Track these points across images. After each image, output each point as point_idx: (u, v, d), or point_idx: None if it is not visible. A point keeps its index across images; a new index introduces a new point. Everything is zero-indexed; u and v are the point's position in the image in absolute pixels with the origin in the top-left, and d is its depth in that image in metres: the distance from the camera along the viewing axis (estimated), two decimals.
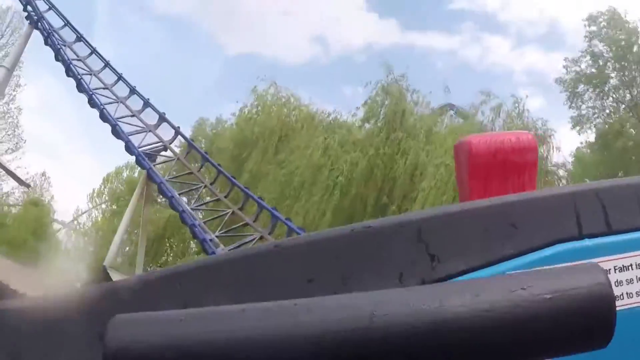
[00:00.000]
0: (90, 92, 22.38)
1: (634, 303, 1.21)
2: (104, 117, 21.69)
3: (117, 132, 22.15)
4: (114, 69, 24.92)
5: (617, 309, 1.20)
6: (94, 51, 25.19)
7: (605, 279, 0.76)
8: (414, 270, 1.12)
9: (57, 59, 24.17)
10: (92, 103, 21.99)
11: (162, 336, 0.75)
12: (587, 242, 1.19)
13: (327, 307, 0.73)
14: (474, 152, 2.02)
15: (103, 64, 24.59)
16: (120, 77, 24.02)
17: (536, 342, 0.73)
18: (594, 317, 0.74)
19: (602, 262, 1.19)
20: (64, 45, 24.20)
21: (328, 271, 1.11)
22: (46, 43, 24.37)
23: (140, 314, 0.79)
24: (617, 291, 1.21)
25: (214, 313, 0.79)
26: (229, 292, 1.10)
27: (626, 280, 1.21)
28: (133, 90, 24.12)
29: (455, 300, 0.72)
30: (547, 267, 1.06)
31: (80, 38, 24.84)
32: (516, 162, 2.02)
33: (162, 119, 23.21)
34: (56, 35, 24.07)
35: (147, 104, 23.50)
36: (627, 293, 1.21)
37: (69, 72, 23.73)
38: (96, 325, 0.92)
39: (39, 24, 24.37)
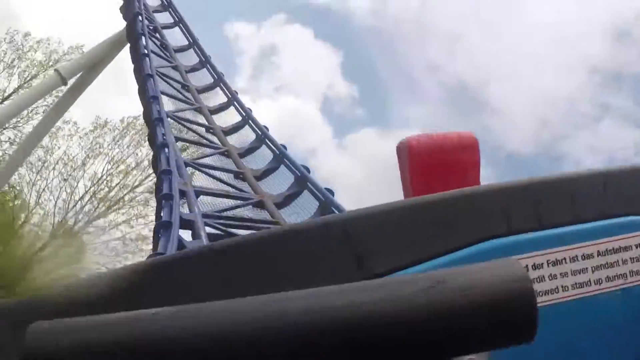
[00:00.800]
0: None
1: (569, 296, 1.20)
2: None
3: None
4: None
5: (553, 302, 1.20)
6: None
7: (523, 273, 0.73)
8: (341, 271, 1.08)
9: None
10: None
11: (81, 343, 0.72)
12: (517, 238, 1.18)
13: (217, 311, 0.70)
14: (414, 152, 2.00)
15: None
16: None
17: (453, 338, 0.70)
18: (514, 313, 0.71)
19: (533, 257, 1.17)
20: None
21: (247, 275, 1.07)
22: None
23: (59, 321, 0.75)
24: (551, 285, 1.19)
25: (127, 318, 0.75)
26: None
27: (560, 273, 1.20)
28: None
29: (366, 296, 0.69)
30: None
31: None
32: (457, 161, 2.01)
33: None
34: None
35: None
36: (562, 286, 1.20)
37: None
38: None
39: None
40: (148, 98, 10.50)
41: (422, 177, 1.99)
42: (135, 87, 11.58)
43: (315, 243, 1.11)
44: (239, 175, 9.78)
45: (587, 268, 1.22)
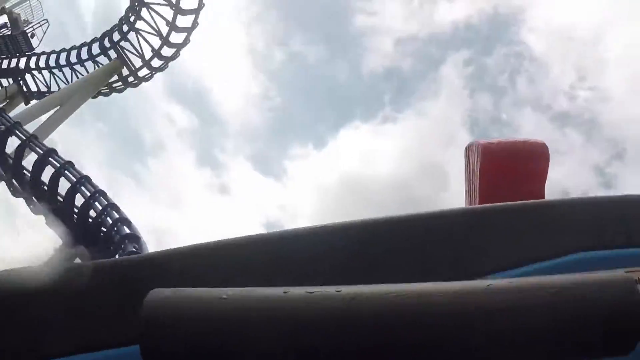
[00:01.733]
0: None
1: None
2: None
3: None
4: None
5: None
6: None
7: (635, 290, 0.77)
8: (437, 269, 1.15)
9: None
10: None
11: (201, 314, 0.76)
12: (610, 252, 1.21)
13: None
14: (485, 156, 2.04)
15: None
16: None
17: (571, 343, 0.75)
18: (626, 324, 0.75)
19: (628, 272, 1.20)
20: None
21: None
22: None
23: (180, 290, 0.80)
24: None
25: (256, 293, 0.79)
26: (260, 272, 1.13)
27: None
28: None
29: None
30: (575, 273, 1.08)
31: None
32: (528, 169, 2.04)
33: None
34: None
35: None
36: None
37: None
38: (132, 296, 0.94)
39: None
40: None
41: (490, 180, 2.03)
42: None
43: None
44: None
45: None
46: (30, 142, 14.47)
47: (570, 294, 0.76)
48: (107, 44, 21.35)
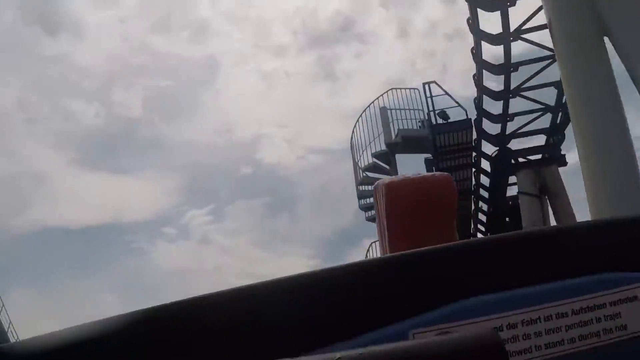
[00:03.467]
0: None
1: (545, 355, 1.18)
2: None
3: None
4: None
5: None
6: None
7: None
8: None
9: None
10: None
11: None
12: (494, 296, 1.17)
13: None
14: (390, 194, 2.00)
15: None
16: None
17: None
18: None
19: (509, 315, 1.16)
20: None
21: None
22: None
23: None
24: (525, 344, 1.18)
25: None
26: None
27: (534, 333, 1.18)
28: None
29: None
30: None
31: None
32: (434, 204, 2.00)
33: None
34: None
35: None
36: (535, 346, 1.18)
37: None
38: None
39: None
40: None
41: (398, 219, 1.98)
42: None
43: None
44: None
45: (560, 327, 1.20)
46: None
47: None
48: None
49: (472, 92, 15.32)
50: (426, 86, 15.17)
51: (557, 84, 14.01)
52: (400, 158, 15.00)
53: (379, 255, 2.11)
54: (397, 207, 1.97)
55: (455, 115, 14.88)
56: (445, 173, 2.06)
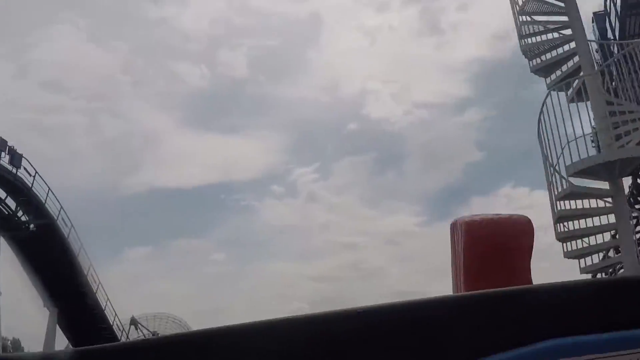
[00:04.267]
0: None
1: None
2: None
3: None
4: None
5: None
6: None
7: None
8: None
9: None
10: None
11: None
12: (578, 339, 1.20)
13: None
14: (469, 233, 2.03)
15: None
16: None
17: None
18: None
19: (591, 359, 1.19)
20: None
21: None
22: None
23: None
24: None
25: None
26: None
27: None
28: None
29: None
30: None
31: None
32: (512, 246, 2.03)
33: None
34: None
35: None
36: None
37: None
38: None
39: None
40: None
41: (475, 257, 2.02)
42: None
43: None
44: None
45: None
46: None
47: None
48: None
49: None
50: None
51: None
52: None
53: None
54: (475, 246, 2.00)
55: None
56: (524, 215, 2.09)
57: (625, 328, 1.26)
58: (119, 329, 17.72)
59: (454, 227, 2.13)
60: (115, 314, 17.45)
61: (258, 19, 47.49)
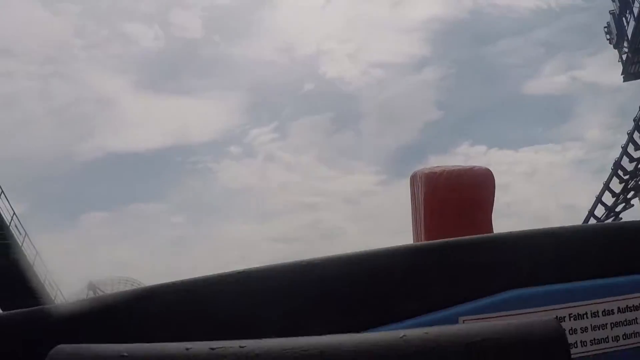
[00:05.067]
0: None
1: (589, 352, 1.18)
2: None
3: None
4: None
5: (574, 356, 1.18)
6: None
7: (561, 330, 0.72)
8: None
9: None
10: None
11: None
12: (542, 289, 1.18)
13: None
14: (429, 185, 2.00)
15: None
16: None
17: None
18: None
19: (556, 309, 1.16)
20: None
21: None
22: None
23: (82, 347, 0.75)
24: (571, 339, 1.18)
25: (157, 350, 0.75)
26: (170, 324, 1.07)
27: (580, 328, 1.19)
28: None
29: None
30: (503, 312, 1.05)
31: None
32: (473, 198, 2.00)
33: None
34: None
35: None
36: (581, 342, 1.19)
37: None
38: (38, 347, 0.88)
39: None
40: None
41: (435, 210, 1.98)
42: None
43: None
44: None
45: (606, 324, 1.21)
46: None
47: (489, 345, 0.70)
48: None
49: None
50: None
51: None
52: None
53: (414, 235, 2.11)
54: (435, 197, 1.96)
55: None
56: (485, 167, 2.05)
57: (587, 278, 1.24)
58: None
59: (413, 179, 2.09)
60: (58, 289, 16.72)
61: None
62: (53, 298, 15.65)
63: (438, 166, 2.06)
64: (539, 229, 1.36)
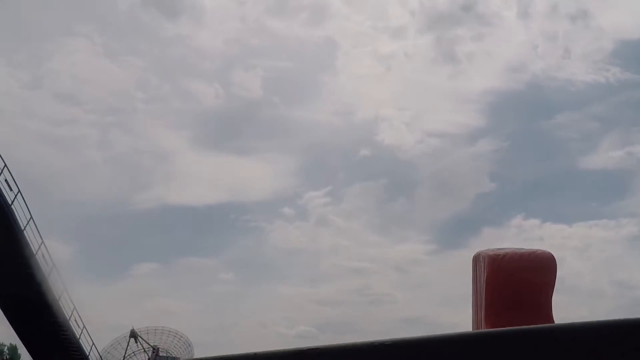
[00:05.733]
0: None
1: None
2: None
3: None
4: None
5: None
6: None
7: None
8: None
9: None
10: None
11: None
12: None
13: None
14: (493, 267, 2.04)
15: None
16: None
17: None
18: None
19: None
20: None
21: None
22: None
23: None
24: None
25: None
26: None
27: None
28: None
29: None
30: None
31: None
32: (534, 281, 2.04)
33: None
34: None
35: None
36: None
37: None
38: None
39: None
40: None
41: (497, 292, 2.02)
42: None
43: None
44: None
45: None
46: None
47: None
48: None
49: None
50: None
51: None
52: None
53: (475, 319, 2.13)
54: (498, 279, 2.01)
55: None
56: (547, 250, 2.10)
57: None
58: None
59: (477, 259, 2.14)
60: (93, 344, 16.53)
61: (274, 41, 48.14)
62: (78, 336, 15.43)
63: (501, 248, 2.11)
64: (599, 321, 1.36)
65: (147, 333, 32.44)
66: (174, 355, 32.19)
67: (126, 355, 31.18)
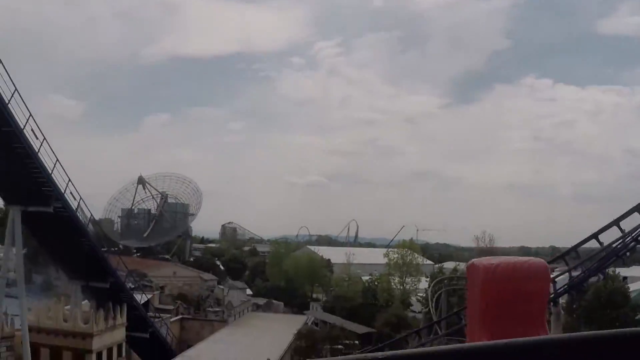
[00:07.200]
0: None
1: None
2: None
3: None
4: None
5: None
6: None
7: None
8: None
9: None
10: None
11: None
12: None
13: None
14: (487, 276, 2.09)
15: None
16: None
17: None
18: None
19: None
20: None
21: None
22: None
23: None
24: None
25: None
26: None
27: None
28: None
29: None
30: None
31: None
32: (528, 289, 2.10)
33: None
34: None
35: None
36: None
37: None
38: None
39: None
40: None
41: (492, 299, 2.09)
42: None
43: None
44: None
45: None
46: None
47: None
48: None
49: None
50: None
51: None
52: None
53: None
54: (493, 287, 2.08)
55: None
56: (541, 259, 2.14)
57: None
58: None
59: (472, 268, 2.19)
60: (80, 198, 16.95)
61: None
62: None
63: (495, 257, 2.16)
64: (597, 333, 1.31)
65: (156, 179, 33.26)
66: (182, 202, 33.26)
67: (134, 202, 32.09)
